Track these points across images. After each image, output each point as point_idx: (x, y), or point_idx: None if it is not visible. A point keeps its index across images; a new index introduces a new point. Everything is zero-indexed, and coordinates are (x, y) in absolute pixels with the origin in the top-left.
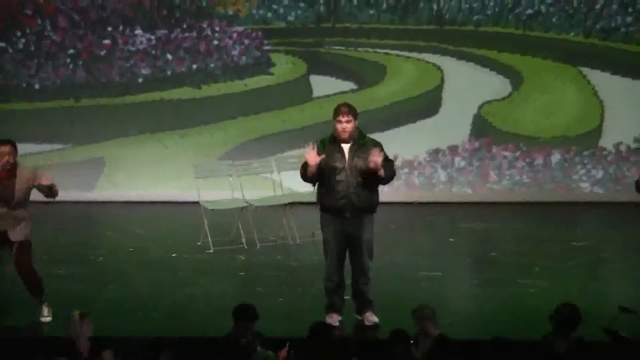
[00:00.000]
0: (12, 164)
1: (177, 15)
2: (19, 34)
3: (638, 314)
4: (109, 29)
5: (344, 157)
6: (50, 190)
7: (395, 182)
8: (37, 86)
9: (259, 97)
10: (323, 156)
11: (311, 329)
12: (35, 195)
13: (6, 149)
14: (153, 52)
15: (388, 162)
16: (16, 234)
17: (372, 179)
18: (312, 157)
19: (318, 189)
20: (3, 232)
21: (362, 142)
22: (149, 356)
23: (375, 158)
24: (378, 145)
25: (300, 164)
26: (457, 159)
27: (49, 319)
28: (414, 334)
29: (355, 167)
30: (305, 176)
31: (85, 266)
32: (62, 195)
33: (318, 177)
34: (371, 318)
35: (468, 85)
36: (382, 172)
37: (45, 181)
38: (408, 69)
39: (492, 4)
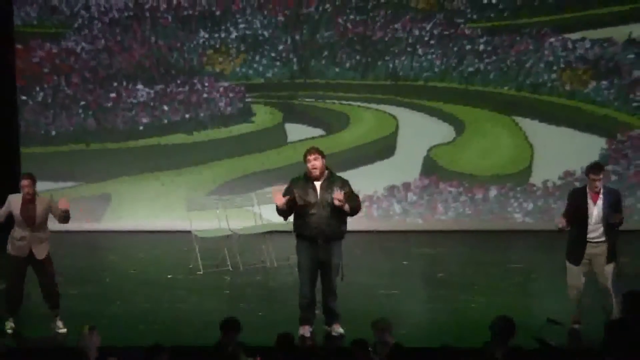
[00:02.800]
0: (32, 194)
1: (173, 72)
2: (38, 88)
3: (563, 326)
4: (115, 84)
5: (316, 193)
6: (64, 214)
7: (358, 214)
8: (53, 132)
9: (242, 141)
10: (288, 197)
11: (278, 339)
12: (53, 226)
13: (27, 181)
14: (152, 103)
15: (353, 196)
16: (40, 252)
17: (341, 211)
18: (277, 200)
19: (294, 219)
20: (29, 252)
21: (331, 180)
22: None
23: (337, 196)
24: (346, 182)
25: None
26: (409, 194)
27: (64, 330)
28: (373, 342)
29: (326, 201)
30: (279, 212)
31: (93, 286)
32: (74, 226)
33: (288, 213)
34: (338, 329)
35: (419, 132)
36: (346, 207)
37: (62, 205)
38: (368, 118)
39: (438, 63)
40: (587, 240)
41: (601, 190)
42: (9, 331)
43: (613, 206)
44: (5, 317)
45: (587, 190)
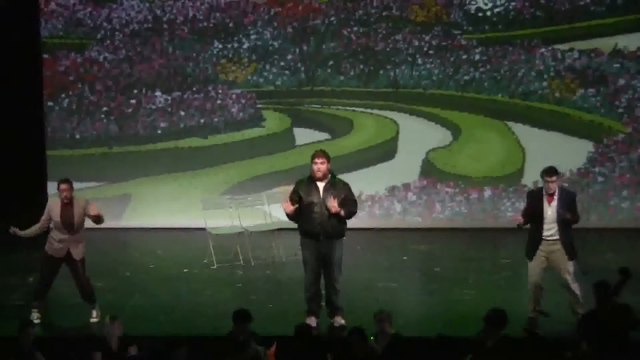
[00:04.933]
0: (70, 198)
1: (189, 81)
2: (63, 95)
3: (549, 317)
4: (135, 91)
5: (319, 194)
6: (97, 218)
7: (359, 213)
8: (77, 137)
9: (253, 145)
10: (296, 205)
11: (296, 329)
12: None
13: (65, 186)
14: (169, 109)
15: (351, 202)
16: (78, 253)
17: (337, 215)
18: (287, 207)
19: (299, 218)
20: (67, 252)
21: (333, 182)
22: (168, 351)
23: (330, 204)
24: (346, 184)
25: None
26: (409, 194)
27: (97, 319)
28: (374, 332)
29: (327, 202)
30: (288, 217)
31: (116, 279)
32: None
33: (296, 217)
34: (340, 321)
35: (418, 136)
36: (342, 213)
37: (92, 212)
38: (370, 123)
39: (436, 72)
40: (543, 238)
41: (556, 192)
42: (36, 321)
43: (568, 207)
44: (32, 307)
45: (543, 191)
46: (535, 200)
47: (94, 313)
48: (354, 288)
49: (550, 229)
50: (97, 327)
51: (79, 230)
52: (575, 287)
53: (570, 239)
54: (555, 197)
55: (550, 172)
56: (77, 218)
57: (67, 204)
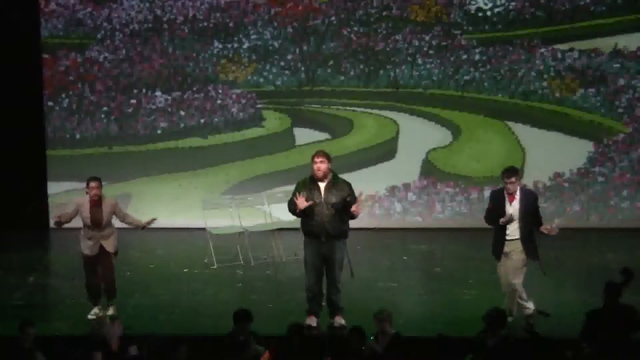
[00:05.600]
0: (99, 196)
1: (189, 80)
2: (63, 95)
3: (550, 317)
4: (135, 91)
5: (320, 194)
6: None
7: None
8: (77, 136)
9: (253, 145)
10: (311, 202)
11: (289, 329)
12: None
13: (95, 184)
14: (169, 109)
15: (354, 202)
16: (110, 246)
17: (342, 212)
18: (302, 203)
19: (302, 218)
20: (100, 247)
21: (335, 181)
22: (170, 350)
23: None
24: (348, 184)
25: (289, 201)
26: (409, 194)
27: (114, 314)
28: (374, 332)
29: (329, 202)
30: (294, 212)
31: (117, 279)
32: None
33: (303, 214)
34: (340, 321)
35: (418, 136)
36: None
37: (147, 224)
38: (370, 123)
39: (436, 71)
40: (505, 237)
41: (517, 192)
42: (91, 317)
43: (529, 207)
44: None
45: (504, 192)
46: (497, 199)
47: (111, 309)
48: (355, 288)
49: (511, 229)
50: (94, 325)
51: (107, 226)
52: (519, 287)
53: (531, 240)
54: (517, 197)
55: (509, 173)
56: (105, 216)
57: (96, 202)
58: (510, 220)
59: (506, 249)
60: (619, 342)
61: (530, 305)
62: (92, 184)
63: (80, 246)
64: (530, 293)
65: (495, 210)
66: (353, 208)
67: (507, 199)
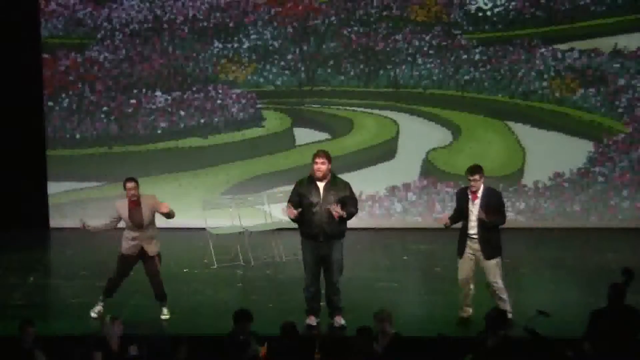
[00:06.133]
0: (138, 196)
1: (189, 80)
2: (63, 95)
3: (551, 317)
4: (135, 91)
5: (319, 194)
6: (168, 215)
7: (360, 213)
8: (77, 136)
9: (253, 145)
10: (300, 210)
11: (282, 328)
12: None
13: (132, 184)
14: (169, 109)
15: (352, 201)
16: (152, 249)
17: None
18: (291, 213)
19: (299, 219)
20: (141, 249)
21: (334, 182)
22: (170, 350)
23: (334, 210)
24: (347, 184)
25: (287, 203)
26: (409, 194)
27: (167, 316)
28: (374, 332)
29: (328, 202)
30: (292, 221)
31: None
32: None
33: (300, 219)
34: (339, 321)
35: (418, 136)
36: (344, 215)
37: (163, 209)
38: (370, 123)
39: (436, 71)
40: (468, 235)
41: (480, 191)
42: (94, 315)
43: (492, 206)
44: (99, 301)
45: (468, 190)
46: (461, 198)
47: (164, 310)
48: (355, 288)
49: (474, 227)
50: (91, 327)
51: (149, 226)
52: (498, 287)
53: (491, 237)
54: (479, 196)
55: (472, 171)
56: (146, 215)
57: (135, 203)
58: (447, 224)
59: (472, 247)
60: (623, 342)
61: (508, 307)
62: (129, 184)
63: (121, 245)
64: (531, 293)
65: (461, 208)
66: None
67: (470, 197)
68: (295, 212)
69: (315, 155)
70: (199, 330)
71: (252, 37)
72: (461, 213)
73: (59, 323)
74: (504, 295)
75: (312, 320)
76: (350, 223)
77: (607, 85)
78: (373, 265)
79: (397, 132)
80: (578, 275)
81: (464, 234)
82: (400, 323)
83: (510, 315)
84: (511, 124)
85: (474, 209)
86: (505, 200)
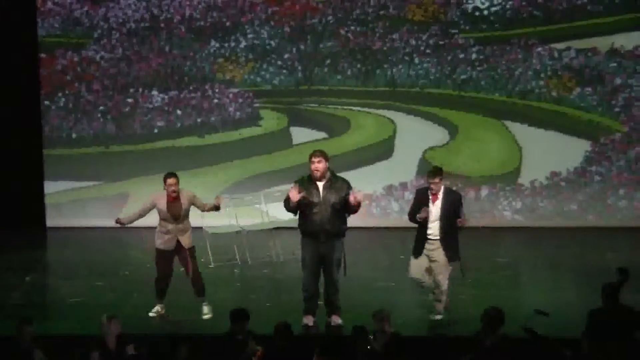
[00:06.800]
0: (177, 191)
1: (186, 80)
2: (60, 94)
3: (549, 316)
4: (132, 90)
5: (319, 193)
6: (217, 207)
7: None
8: (74, 136)
9: (250, 144)
10: (303, 193)
11: (276, 328)
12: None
13: (173, 180)
14: (166, 108)
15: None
16: (187, 241)
17: (341, 211)
18: (294, 194)
19: (299, 218)
20: (177, 242)
21: (333, 181)
22: (167, 350)
23: (355, 197)
24: (346, 182)
25: (284, 199)
26: (406, 193)
27: (209, 316)
28: (373, 331)
29: (328, 201)
30: (288, 208)
31: (115, 279)
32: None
33: (297, 209)
34: (337, 320)
35: (415, 135)
36: (361, 200)
37: (218, 201)
38: (368, 122)
39: (433, 71)
40: (427, 236)
41: (441, 192)
42: (153, 314)
43: (452, 207)
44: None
45: (429, 191)
46: (421, 198)
47: (205, 309)
48: (353, 287)
49: (432, 228)
50: (88, 328)
51: (184, 219)
52: (443, 289)
53: (452, 240)
54: (440, 197)
55: (432, 174)
56: (184, 210)
57: (175, 197)
58: (426, 217)
59: (430, 247)
60: (621, 342)
61: (441, 308)
62: (170, 180)
63: (155, 242)
64: (529, 292)
65: (419, 209)
66: (351, 198)
67: (430, 198)
68: (298, 195)
69: (312, 155)
70: (197, 329)
71: (249, 36)
72: (419, 213)
73: (57, 322)
74: (443, 297)
75: (309, 320)
76: (348, 222)
77: (604, 84)
78: (371, 264)
79: (394, 132)
80: (576, 274)
81: (422, 235)
82: (398, 322)
83: (440, 317)
84: (508, 123)
85: (435, 210)
86: (502, 199)
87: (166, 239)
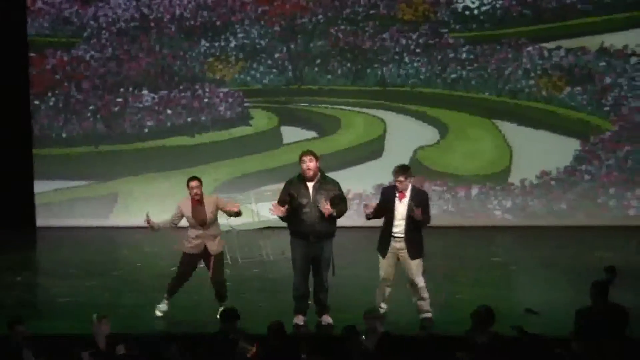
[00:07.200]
0: (200, 194)
1: (176, 79)
2: (50, 94)
3: (539, 315)
4: (122, 90)
5: (309, 194)
6: (237, 213)
7: (348, 212)
8: (64, 135)
9: (241, 143)
10: (286, 207)
11: (269, 328)
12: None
13: (196, 183)
14: (157, 108)
15: (342, 202)
16: (214, 248)
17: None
18: (277, 211)
19: (289, 218)
20: (204, 248)
21: (323, 181)
22: (158, 349)
23: (323, 207)
24: (336, 184)
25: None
26: None
27: None
28: (364, 330)
29: (318, 202)
30: (281, 219)
31: (105, 278)
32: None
33: (287, 216)
34: (327, 320)
35: (405, 134)
36: (334, 214)
37: (233, 207)
38: (358, 122)
39: (424, 70)
40: (392, 234)
41: (408, 190)
42: (159, 314)
43: (419, 206)
44: (164, 299)
45: (395, 189)
46: (388, 196)
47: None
48: (344, 286)
49: (398, 226)
50: (80, 328)
51: (212, 224)
52: (421, 286)
53: (417, 237)
54: (407, 195)
55: (398, 172)
56: (209, 214)
57: (198, 201)
58: (371, 213)
59: (394, 246)
60: (609, 340)
61: (428, 307)
62: (192, 183)
63: (184, 244)
64: (519, 290)
65: (386, 206)
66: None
67: (397, 196)
68: (282, 209)
69: (302, 155)
70: (188, 329)
71: (240, 35)
72: (385, 211)
73: (48, 322)
74: (425, 294)
75: (299, 320)
76: (338, 222)
77: (594, 83)
78: (362, 263)
79: (385, 131)
80: (566, 272)
81: (387, 233)
82: (388, 321)
83: (429, 315)
84: (498, 122)
85: (401, 208)
86: (492, 198)
87: (194, 244)
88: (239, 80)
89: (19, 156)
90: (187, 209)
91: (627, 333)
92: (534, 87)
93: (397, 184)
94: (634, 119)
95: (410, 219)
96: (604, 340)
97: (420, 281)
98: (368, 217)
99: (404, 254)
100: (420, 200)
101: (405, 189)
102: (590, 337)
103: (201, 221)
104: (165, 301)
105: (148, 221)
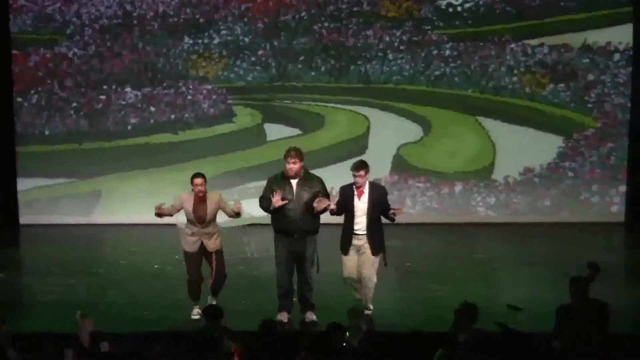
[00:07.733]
0: (204, 192)
1: (159, 76)
2: (33, 91)
3: (522, 311)
4: (105, 87)
5: (293, 191)
6: (238, 214)
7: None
8: (47, 133)
9: (224, 141)
10: (286, 201)
11: (261, 325)
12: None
13: (200, 180)
14: (140, 105)
15: (325, 195)
16: (211, 245)
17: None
18: (278, 202)
19: (272, 215)
20: (201, 245)
21: (306, 178)
22: (142, 347)
23: (318, 206)
24: (320, 179)
25: (260, 197)
26: None
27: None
28: (348, 328)
29: (301, 199)
30: (264, 207)
31: (89, 276)
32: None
33: (272, 213)
34: (311, 317)
35: (389, 131)
36: (331, 205)
37: (236, 208)
38: (342, 119)
39: (407, 67)
40: (353, 232)
41: (366, 187)
42: (196, 317)
43: (377, 202)
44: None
45: (354, 186)
46: (346, 193)
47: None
48: (328, 283)
49: (359, 223)
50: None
51: (210, 223)
52: (371, 284)
53: (378, 234)
54: (365, 192)
55: (356, 166)
56: (209, 213)
57: (201, 199)
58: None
59: (357, 242)
60: (591, 337)
61: (369, 303)
62: (197, 180)
63: (181, 241)
64: (503, 287)
65: (346, 204)
66: (315, 205)
67: (356, 193)
68: (281, 201)
69: (287, 155)
70: (172, 327)
71: (223, 32)
72: (345, 209)
73: (31, 320)
74: (371, 285)
75: (283, 317)
76: (321, 219)
77: (577, 80)
78: None
79: (368, 128)
80: (550, 269)
81: (348, 231)
82: (372, 318)
83: (370, 312)
84: (482, 119)
85: (361, 205)
86: (475, 195)
87: (191, 242)
88: (222, 77)
89: (1, 154)
90: (189, 205)
91: (609, 329)
92: (517, 84)
93: (356, 179)
94: (616, 116)
95: (370, 215)
96: (584, 337)
97: (373, 276)
98: (332, 213)
99: (363, 250)
100: (378, 195)
101: (363, 185)
102: (571, 333)
103: (200, 219)
104: (196, 307)
105: (160, 213)
